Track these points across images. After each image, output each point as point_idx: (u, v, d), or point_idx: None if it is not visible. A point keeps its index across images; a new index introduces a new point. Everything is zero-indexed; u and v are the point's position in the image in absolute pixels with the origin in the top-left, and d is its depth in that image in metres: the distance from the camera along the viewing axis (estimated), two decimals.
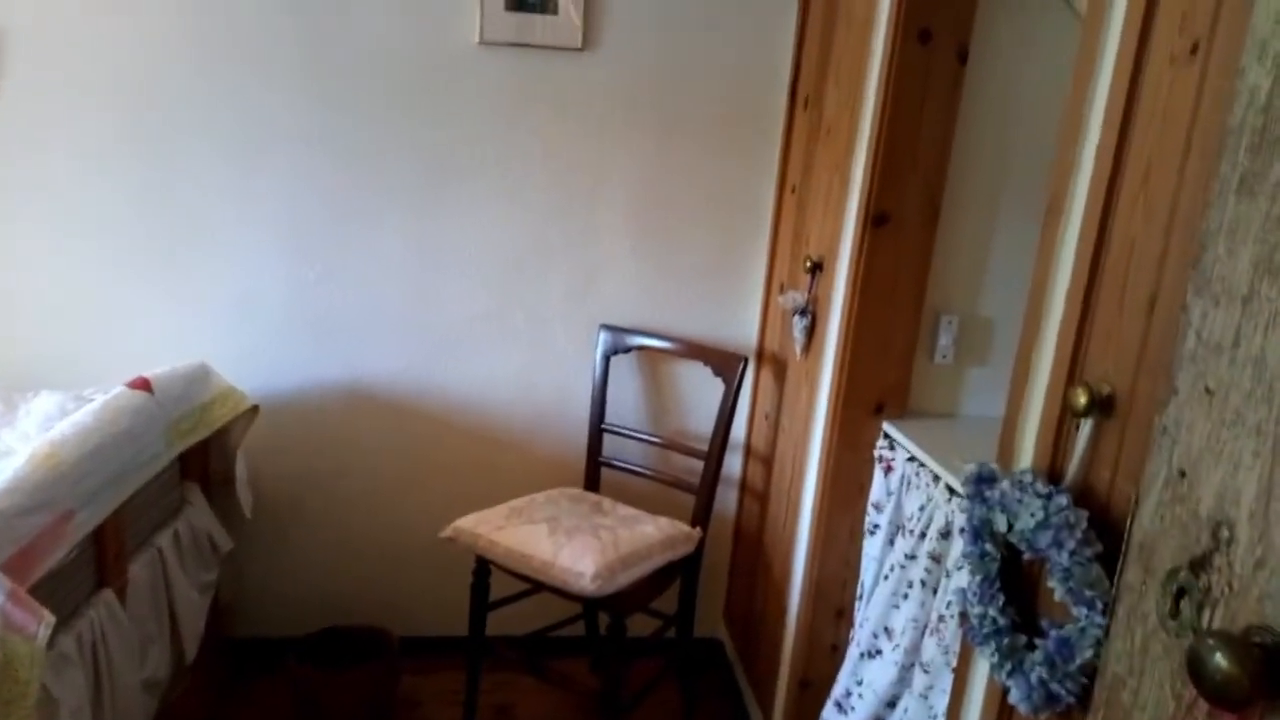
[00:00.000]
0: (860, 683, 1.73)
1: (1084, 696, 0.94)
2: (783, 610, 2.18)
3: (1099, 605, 0.91)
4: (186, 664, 2.09)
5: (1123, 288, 1.01)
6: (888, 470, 1.77)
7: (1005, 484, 1.07)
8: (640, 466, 2.47)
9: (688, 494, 2.36)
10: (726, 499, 2.67)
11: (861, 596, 1.83)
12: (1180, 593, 0.68)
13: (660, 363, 2.55)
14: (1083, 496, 1.01)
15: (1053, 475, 1.08)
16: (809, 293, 2.10)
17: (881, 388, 1.88)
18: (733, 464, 2.63)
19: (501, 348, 2.48)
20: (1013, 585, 1.12)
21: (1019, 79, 1.82)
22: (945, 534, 1.51)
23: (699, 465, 2.34)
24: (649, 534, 2.12)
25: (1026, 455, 1.17)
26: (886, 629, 1.67)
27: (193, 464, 2.16)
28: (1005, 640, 1.06)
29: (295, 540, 2.55)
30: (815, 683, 2.03)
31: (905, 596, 1.61)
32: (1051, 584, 0.97)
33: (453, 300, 2.43)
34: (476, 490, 2.51)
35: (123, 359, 2.31)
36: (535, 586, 2.08)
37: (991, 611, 1.08)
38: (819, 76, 2.18)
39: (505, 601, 2.27)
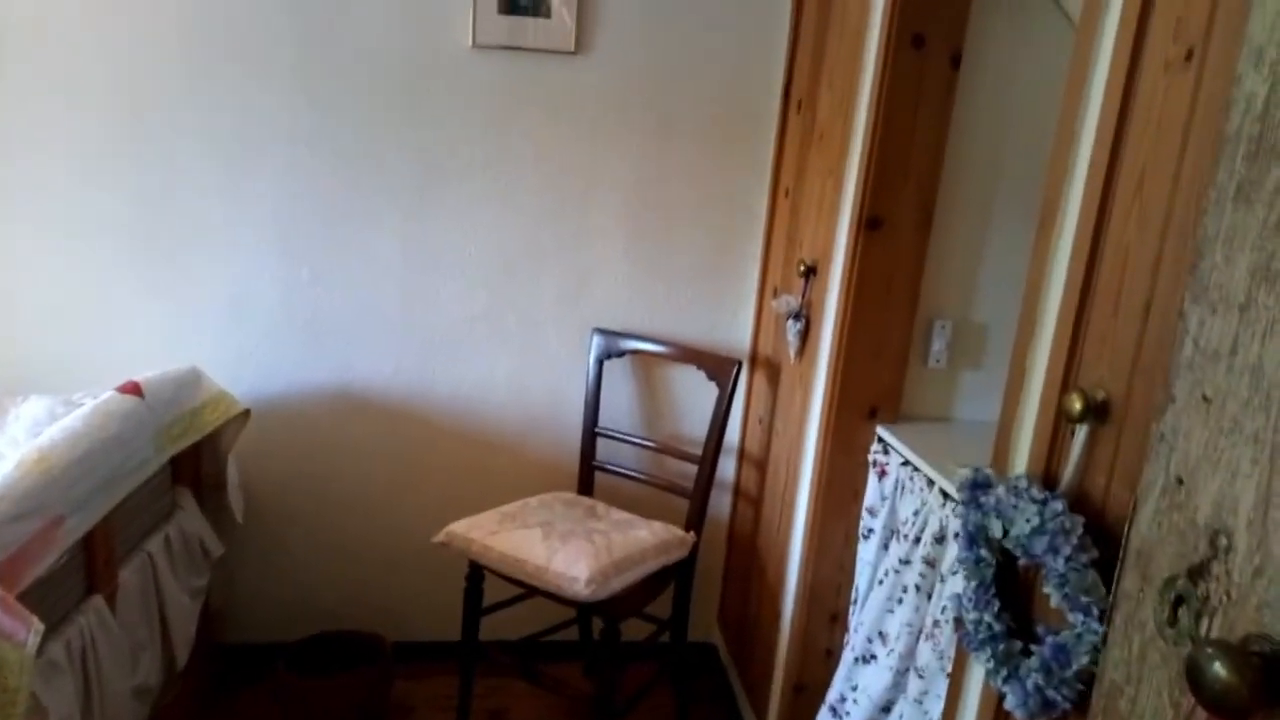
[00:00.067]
0: (855, 688, 1.73)
1: (1080, 703, 0.94)
2: (777, 614, 2.17)
3: (1095, 611, 0.91)
4: (178, 670, 2.08)
5: (1117, 293, 1.01)
6: (882, 475, 1.77)
7: (1000, 490, 1.07)
8: (634, 470, 2.47)
9: (681, 498, 2.36)
10: (720, 503, 2.67)
11: (856, 601, 1.83)
12: (1178, 601, 0.68)
13: (654, 366, 2.54)
14: (1078, 502, 1.01)
15: (1048, 481, 1.08)
16: (803, 297, 2.10)
17: (875, 392, 1.88)
18: (726, 468, 2.63)
19: (494, 351, 2.48)
20: (1008, 591, 1.12)
21: (1012, 84, 1.82)
22: (940, 539, 1.51)
23: (693, 469, 2.34)
24: (643, 538, 2.12)
25: (1021, 461, 1.17)
26: (881, 634, 1.67)
27: (184, 468, 2.15)
28: (1001, 646, 1.06)
29: (287, 545, 2.53)
30: (809, 687, 2.03)
31: (900, 601, 1.61)
32: (1047, 590, 0.97)
33: (445, 303, 2.43)
34: (469, 494, 2.51)
35: (113, 362, 2.30)
36: (529, 591, 2.07)
37: (987, 617, 1.08)
38: (812, 80, 2.18)
39: (499, 606, 2.26)
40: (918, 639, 1.56)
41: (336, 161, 2.30)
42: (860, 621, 1.73)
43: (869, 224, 1.81)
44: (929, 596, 1.54)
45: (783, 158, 2.38)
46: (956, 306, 1.90)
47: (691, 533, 2.27)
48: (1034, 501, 1.01)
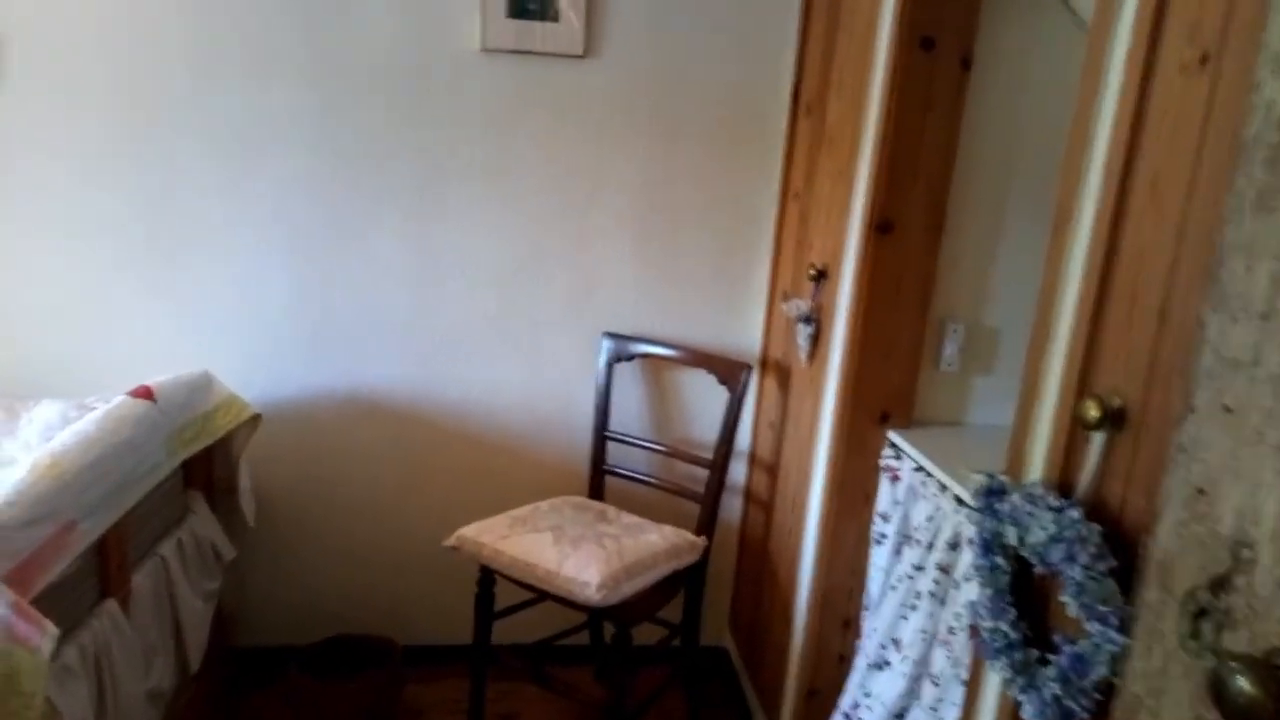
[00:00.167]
0: (868, 694, 1.72)
1: (1098, 713, 0.94)
2: (789, 619, 2.17)
3: (1113, 621, 0.91)
4: (190, 673, 2.08)
5: (1133, 299, 1.00)
6: (894, 479, 1.76)
7: (1016, 497, 1.06)
8: (644, 474, 2.46)
9: (692, 502, 2.35)
10: (731, 507, 2.66)
11: (868, 607, 1.82)
12: (1201, 613, 0.67)
13: (664, 370, 2.54)
14: (1095, 510, 1.00)
15: (1064, 488, 1.08)
16: (813, 300, 2.09)
17: (887, 396, 1.87)
18: (737, 472, 2.63)
19: (504, 354, 2.48)
20: (1024, 599, 1.11)
21: (1024, 86, 1.81)
22: (954, 545, 1.50)
23: (703, 473, 2.33)
24: (654, 543, 2.12)
25: (1036, 467, 1.16)
26: (894, 640, 1.66)
27: (196, 472, 2.16)
28: (1018, 655, 1.05)
29: (298, 548, 2.54)
30: (822, 692, 2.02)
31: (913, 608, 1.60)
32: (1064, 598, 0.96)
33: (455, 307, 2.43)
34: (479, 498, 2.51)
35: (124, 367, 2.31)
36: (540, 595, 2.07)
37: (1003, 626, 1.07)
38: (821, 83, 2.17)
39: (510, 610, 2.26)
40: (932, 646, 1.55)
41: (345, 164, 2.30)
42: (873, 627, 1.73)
43: (880, 227, 1.80)
44: (943, 603, 1.54)
45: (792, 161, 2.38)
46: (969, 310, 1.90)
47: (703, 537, 2.26)
48: (1050, 509, 1.00)
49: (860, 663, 1.76)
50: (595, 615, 2.36)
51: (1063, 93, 1.78)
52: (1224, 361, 0.68)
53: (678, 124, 2.37)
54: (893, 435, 1.83)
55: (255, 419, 2.21)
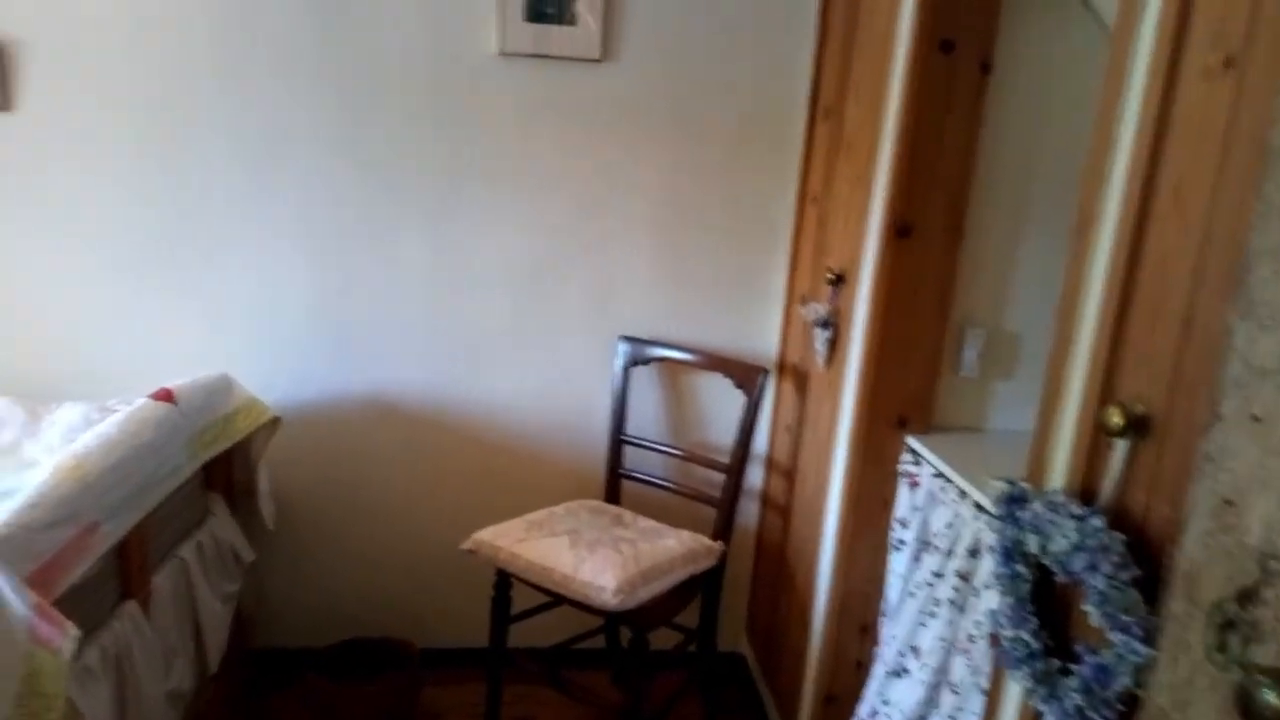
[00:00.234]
0: (886, 702, 1.71)
1: None
2: (806, 625, 2.16)
3: (1137, 631, 0.90)
4: (210, 675, 2.10)
5: (1157, 305, 0.99)
6: (913, 485, 1.75)
7: (1037, 505, 1.05)
8: (661, 479, 2.46)
9: (709, 507, 2.35)
10: (748, 512, 2.65)
11: (886, 613, 1.81)
12: (1227, 625, 0.66)
13: (680, 374, 2.54)
14: (1118, 518, 0.99)
15: (1086, 496, 1.06)
16: (831, 304, 2.08)
17: (905, 401, 1.86)
18: (754, 476, 2.62)
19: (520, 358, 2.48)
20: (1045, 608, 1.10)
21: (1044, 89, 1.80)
22: (974, 552, 1.49)
23: (720, 478, 2.33)
24: (670, 547, 2.11)
25: (1058, 474, 1.15)
26: (913, 647, 1.65)
27: (216, 475, 2.17)
28: (1039, 665, 1.04)
29: (316, 551, 2.55)
30: (840, 699, 2.01)
31: (933, 615, 1.59)
32: (1086, 608, 0.95)
33: (472, 310, 2.43)
34: (496, 501, 2.51)
35: (145, 370, 2.33)
36: (556, 599, 2.07)
37: (1024, 635, 1.06)
38: (839, 87, 2.16)
39: (527, 614, 2.26)
40: (951, 653, 1.54)
41: (364, 169, 2.31)
42: (892, 634, 1.72)
43: (899, 232, 1.79)
44: (963, 610, 1.52)
45: (810, 165, 2.37)
46: (989, 315, 1.88)
47: (719, 542, 2.25)
48: (1072, 517, 0.99)
49: (878, 670, 1.75)
50: (612, 619, 2.35)
51: (1084, 96, 1.77)
52: (1252, 370, 0.67)
53: (695, 128, 2.37)
54: (911, 441, 1.82)
55: (275, 422, 2.23)
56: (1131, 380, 1.02)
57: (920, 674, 1.61)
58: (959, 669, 1.50)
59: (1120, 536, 0.94)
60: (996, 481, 1.16)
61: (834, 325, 2.07)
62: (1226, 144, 0.90)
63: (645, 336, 2.47)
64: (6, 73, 2.17)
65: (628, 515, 2.35)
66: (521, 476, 2.55)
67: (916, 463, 1.77)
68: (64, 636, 1.37)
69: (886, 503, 1.87)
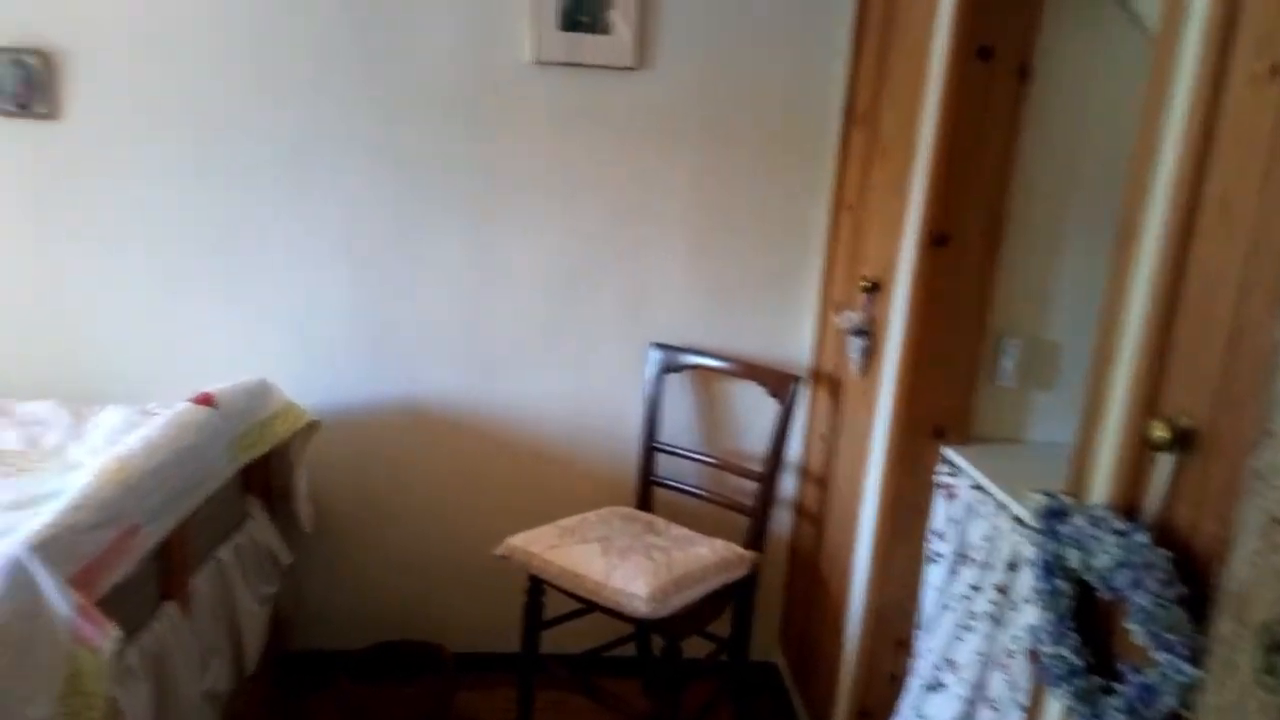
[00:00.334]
0: (922, 716, 1.68)
1: None
2: (840, 637, 2.14)
3: (1182, 651, 0.88)
4: (247, 675, 2.12)
5: (1203, 318, 0.97)
6: (950, 497, 1.73)
7: (1079, 519, 1.04)
8: (693, 487, 2.45)
9: (741, 515, 2.34)
10: (781, 521, 2.64)
11: (923, 626, 1.79)
12: (1277, 647, 0.64)
13: (713, 381, 2.53)
14: (1162, 535, 0.97)
15: (1129, 511, 1.04)
16: (866, 313, 2.06)
17: (942, 411, 1.84)
18: (787, 485, 2.60)
19: (554, 364, 2.49)
20: (1086, 624, 1.08)
21: (1084, 96, 1.77)
22: (1012, 565, 1.47)
23: (753, 486, 2.32)
24: (703, 556, 2.10)
25: (1100, 489, 1.13)
26: (949, 661, 1.62)
27: (254, 478, 2.20)
28: (1081, 683, 1.02)
29: (352, 554, 2.58)
30: (874, 713, 1.99)
31: (970, 628, 1.57)
32: (1130, 625, 0.93)
33: (507, 317, 2.45)
34: (529, 507, 2.52)
35: (186, 374, 2.37)
36: (588, 606, 2.07)
37: (1065, 652, 1.04)
38: (875, 94, 2.15)
39: (559, 620, 2.27)
40: (989, 668, 1.52)
41: (400, 177, 2.34)
42: (928, 648, 1.69)
43: (935, 240, 1.77)
44: (1001, 624, 1.50)
45: (845, 172, 2.35)
46: (1028, 324, 1.85)
47: (752, 550, 2.24)
48: (1115, 533, 0.97)
49: (914, 683, 1.73)
50: (643, 627, 2.35)
51: (1125, 103, 1.74)
52: None
53: (729, 135, 2.36)
54: (948, 451, 1.80)
55: (313, 426, 2.25)
56: (1176, 393, 1.00)
57: (957, 689, 1.59)
58: (997, 684, 1.48)
59: (1165, 553, 0.92)
60: (1036, 494, 1.14)
61: (869, 334, 2.06)
62: (1274, 153, 0.88)
63: (678, 343, 2.47)
64: (56, 83, 2.23)
65: (660, 523, 2.34)
66: (554, 482, 2.56)
67: (953, 474, 1.75)
68: (105, 637, 1.39)
69: (922, 514, 1.85)
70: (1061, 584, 1.07)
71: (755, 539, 2.28)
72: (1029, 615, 1.33)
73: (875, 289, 2.04)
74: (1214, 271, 0.95)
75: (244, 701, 2.13)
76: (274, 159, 2.31)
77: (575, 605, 2.13)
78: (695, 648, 2.23)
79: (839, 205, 2.38)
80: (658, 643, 2.07)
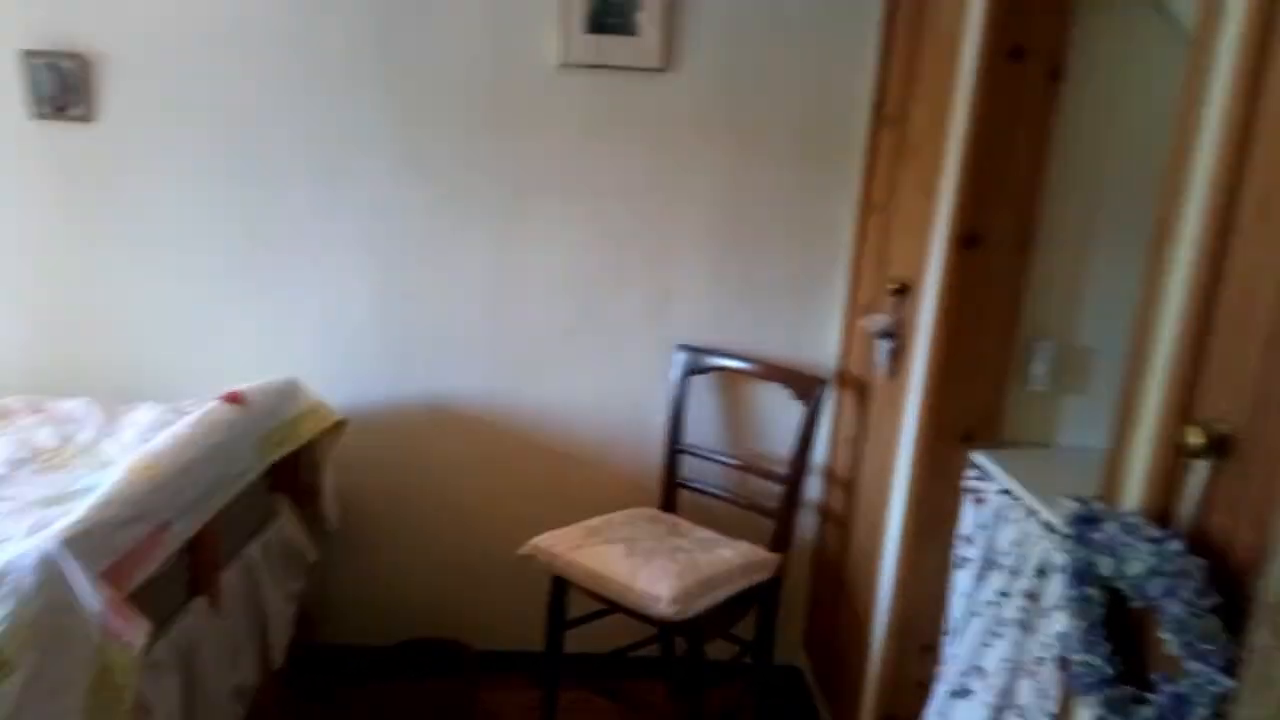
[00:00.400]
0: None
1: None
2: (865, 642, 2.12)
3: (1217, 661, 0.86)
4: (273, 670, 2.14)
5: (1241, 322, 0.95)
6: (978, 502, 1.71)
7: (1111, 526, 1.02)
8: (717, 489, 2.45)
9: (766, 518, 2.33)
10: (806, 524, 2.62)
11: (950, 632, 1.77)
12: None
13: (738, 383, 2.52)
14: (1197, 543, 0.95)
15: (1163, 518, 1.02)
16: (894, 315, 2.05)
17: (971, 415, 1.82)
18: (813, 488, 2.59)
19: (578, 366, 2.49)
20: (1117, 632, 1.06)
21: (1118, 96, 1.74)
22: (1042, 572, 1.44)
23: (778, 489, 2.30)
24: (727, 558, 2.10)
25: (1133, 495, 1.11)
26: (977, 668, 1.60)
27: (282, 476, 2.22)
28: (1112, 692, 1.00)
29: (378, 552, 2.59)
30: (899, 718, 1.97)
31: (998, 635, 1.55)
32: (1163, 634, 0.92)
33: (531, 318, 2.45)
34: (553, 508, 2.52)
35: (217, 373, 2.39)
36: (611, 607, 2.07)
37: (1096, 660, 1.03)
38: (904, 94, 2.13)
39: (582, 620, 2.27)
40: (1017, 676, 1.50)
41: (427, 178, 2.35)
42: (955, 654, 1.67)
43: (965, 241, 1.75)
44: (1030, 631, 1.48)
45: (873, 173, 2.33)
46: (1059, 327, 1.83)
47: (777, 554, 2.23)
48: (1149, 540, 0.95)
49: (940, 689, 1.71)
50: (666, 629, 2.35)
51: (1159, 103, 1.70)
52: None
53: (756, 136, 2.35)
54: (977, 456, 1.78)
55: (340, 425, 2.27)
56: (1212, 399, 0.98)
57: (984, 695, 1.57)
58: (1025, 692, 1.46)
59: (1200, 562, 0.90)
60: (1067, 500, 1.12)
61: (897, 336, 2.04)
62: None
63: (703, 345, 2.46)
64: (91, 85, 2.26)
65: (684, 524, 2.34)
66: (578, 483, 2.56)
67: (982, 479, 1.73)
68: (135, 632, 1.41)
69: (950, 519, 1.83)
70: (1092, 591, 1.05)
71: (780, 542, 2.26)
72: (1058, 622, 1.31)
73: (903, 291, 2.02)
74: (1252, 273, 0.94)
75: (270, 696, 2.15)
76: (304, 161, 2.33)
77: (599, 606, 2.13)
78: (719, 650, 2.23)
79: (867, 206, 2.37)
80: (681, 645, 2.07)
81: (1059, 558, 1.38)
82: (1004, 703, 1.52)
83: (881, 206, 2.25)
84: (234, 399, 1.91)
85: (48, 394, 2.31)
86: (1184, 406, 1.02)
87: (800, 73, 2.31)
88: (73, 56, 2.23)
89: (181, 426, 1.77)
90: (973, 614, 1.64)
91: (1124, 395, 1.15)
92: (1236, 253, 0.96)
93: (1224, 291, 0.98)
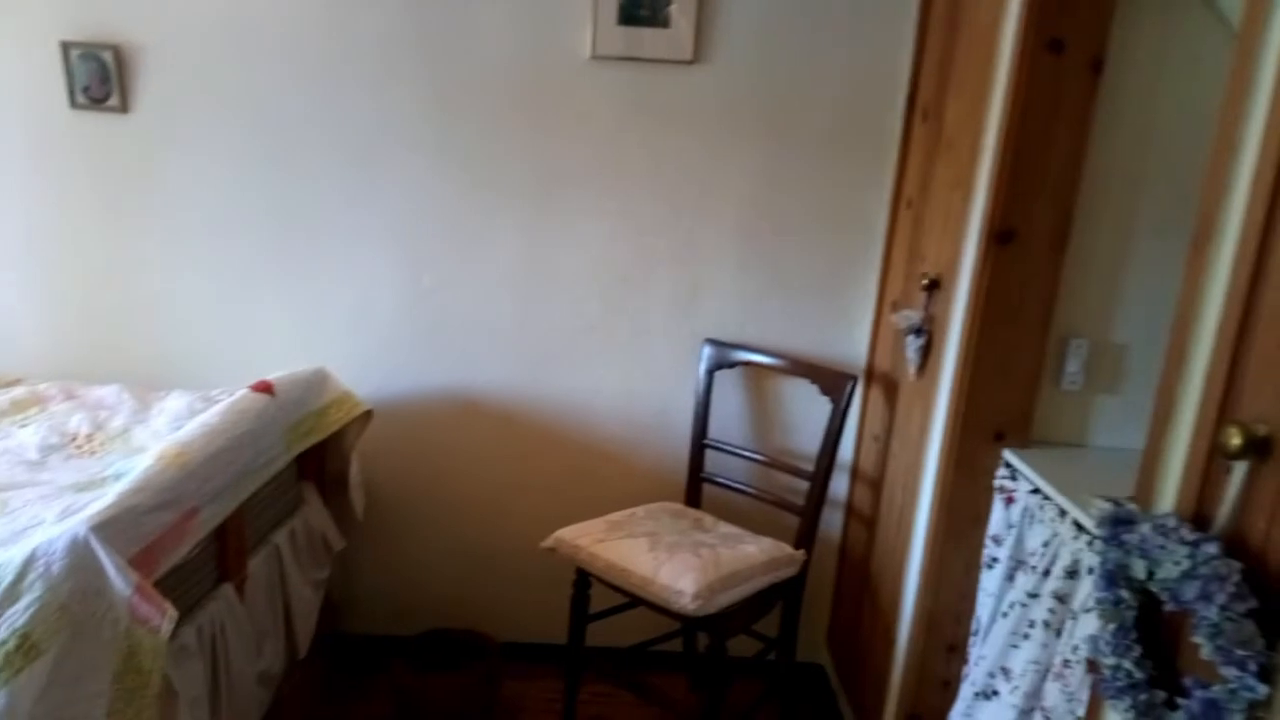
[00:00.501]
0: None
1: None
2: (891, 641, 2.10)
3: (1252, 667, 0.84)
4: (298, 658, 2.16)
5: None
6: (1009, 501, 1.68)
7: (1145, 528, 0.99)
8: (743, 484, 2.43)
9: (791, 514, 2.31)
10: (832, 521, 2.60)
11: (977, 632, 1.74)
12: None
13: (765, 379, 2.50)
14: (1234, 546, 0.93)
15: (1199, 521, 1.00)
16: (925, 311, 2.02)
17: (1003, 414, 1.79)
18: (839, 485, 2.56)
19: (606, 359, 2.49)
20: (1150, 636, 1.04)
21: (1160, 91, 1.70)
22: (1072, 573, 1.42)
23: (804, 485, 2.28)
24: (751, 554, 2.08)
25: (1168, 496, 1.08)
26: (1004, 669, 1.58)
27: (309, 465, 2.24)
28: (1142, 696, 0.98)
29: (403, 542, 2.61)
30: (924, 718, 1.95)
31: (1026, 636, 1.52)
32: (1196, 639, 0.89)
33: (560, 310, 2.45)
34: (578, 500, 2.52)
35: (248, 361, 2.42)
36: (634, 600, 2.06)
37: (1126, 664, 1.00)
38: (939, 88, 2.10)
39: (605, 613, 2.27)
40: (1045, 678, 1.47)
41: (458, 170, 2.36)
42: (981, 655, 1.65)
43: (1000, 237, 1.72)
44: (1058, 633, 1.45)
45: (906, 167, 2.30)
46: (1094, 325, 1.79)
47: (801, 550, 2.21)
48: (1184, 543, 0.93)
49: (966, 690, 1.69)
50: (689, 624, 2.34)
51: (1202, 98, 1.66)
52: None
53: (787, 129, 2.33)
54: (1008, 455, 1.75)
55: (367, 415, 2.29)
56: (1253, 400, 0.95)
57: (1011, 697, 1.54)
58: (1052, 694, 1.43)
59: (1237, 565, 0.88)
60: (1100, 501, 1.10)
61: (927, 333, 2.01)
62: None
63: (731, 340, 2.45)
64: (128, 77, 2.29)
65: (708, 519, 2.33)
66: (603, 476, 2.56)
67: (1013, 478, 1.70)
68: (163, 617, 1.42)
69: (979, 518, 1.80)
70: (1125, 594, 1.03)
71: (804, 538, 2.25)
72: (1088, 624, 1.29)
73: (935, 286, 1.99)
74: None
75: (295, 683, 2.17)
76: (334, 154, 2.34)
77: (622, 599, 2.13)
78: (742, 646, 2.21)
79: (899, 200, 2.34)
80: (703, 640, 2.06)
81: (1090, 559, 1.36)
82: (1030, 705, 1.50)
83: (914, 200, 2.22)
84: (263, 388, 1.93)
85: (81, 380, 2.35)
86: (1223, 407, 0.99)
87: (833, 65, 2.29)
88: (111, 48, 2.26)
89: (211, 415, 1.79)
90: (1001, 614, 1.61)
91: (1161, 394, 1.12)
92: None
93: (1266, 289, 0.95)
